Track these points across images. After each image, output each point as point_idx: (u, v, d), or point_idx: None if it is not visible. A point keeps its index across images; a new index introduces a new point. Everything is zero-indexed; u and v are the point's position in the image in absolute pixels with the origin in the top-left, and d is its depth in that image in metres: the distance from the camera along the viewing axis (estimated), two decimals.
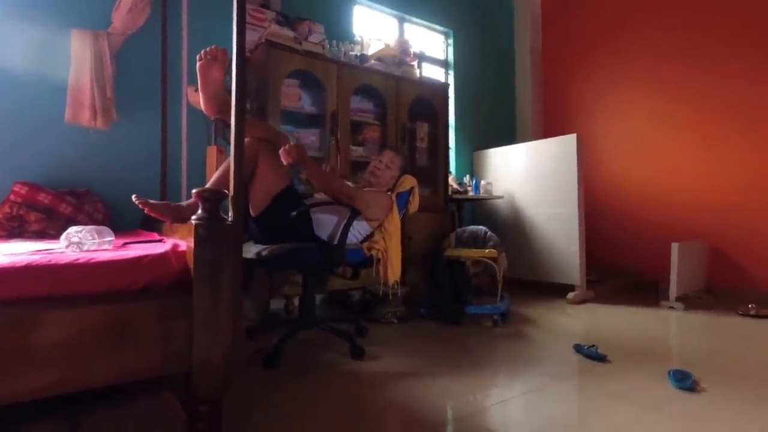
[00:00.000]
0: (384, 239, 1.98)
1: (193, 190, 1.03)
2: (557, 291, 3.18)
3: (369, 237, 2.00)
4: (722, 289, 3.19)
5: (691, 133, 3.39)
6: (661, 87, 3.55)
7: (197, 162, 2.38)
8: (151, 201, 1.53)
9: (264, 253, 1.66)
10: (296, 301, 2.42)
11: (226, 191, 1.09)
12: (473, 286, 2.80)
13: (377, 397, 1.43)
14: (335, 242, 1.81)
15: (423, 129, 3.17)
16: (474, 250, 2.56)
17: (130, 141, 2.36)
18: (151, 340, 0.97)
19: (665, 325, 2.46)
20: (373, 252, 1.95)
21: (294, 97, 2.56)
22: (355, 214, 1.82)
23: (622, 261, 3.73)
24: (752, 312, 2.63)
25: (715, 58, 3.27)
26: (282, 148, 1.70)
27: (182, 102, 2.40)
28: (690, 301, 2.97)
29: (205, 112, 1.67)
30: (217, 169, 1.74)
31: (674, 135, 3.48)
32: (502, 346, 2.02)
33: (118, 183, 2.28)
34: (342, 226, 1.82)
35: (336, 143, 2.59)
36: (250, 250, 1.74)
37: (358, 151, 2.79)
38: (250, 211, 1.76)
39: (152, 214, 1.53)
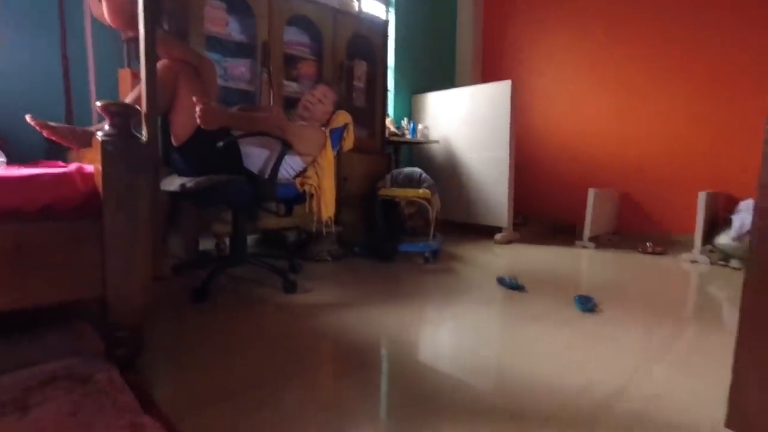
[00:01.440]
0: (317, 175, 1.95)
1: (98, 103, 0.93)
2: (486, 232, 3.36)
3: (302, 173, 1.96)
4: (628, 231, 3.55)
5: (612, 88, 3.59)
6: (590, 41, 3.68)
7: (108, 87, 2.14)
8: (52, 123, 1.37)
9: (189, 185, 1.57)
10: (228, 241, 2.35)
11: (138, 107, 1.00)
12: (408, 228, 2.88)
13: (308, 326, 1.46)
14: (266, 176, 1.75)
15: (361, 68, 3.07)
16: (409, 190, 2.61)
17: (24, 60, 2.05)
18: (55, 264, 0.90)
19: (577, 261, 2.71)
20: (306, 187, 1.92)
21: (220, 21, 2.34)
22: (287, 147, 1.76)
23: (545, 205, 3.99)
24: (649, 250, 2.97)
25: (637, 20, 3.42)
26: (197, 113, 1.52)
27: (85, 14, 2.10)
28: (601, 241, 3.28)
29: (111, 24, 1.49)
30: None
31: (598, 88, 3.67)
32: (432, 280, 2.13)
33: (13, 108, 1.99)
34: (273, 160, 1.75)
35: (268, 76, 2.44)
36: (174, 183, 1.64)
37: (292, 87, 2.66)
38: (173, 140, 1.64)
39: (54, 138, 1.38)
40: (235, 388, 1.02)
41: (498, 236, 3.23)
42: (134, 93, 1.54)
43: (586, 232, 3.14)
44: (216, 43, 2.38)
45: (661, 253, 2.93)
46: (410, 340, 1.37)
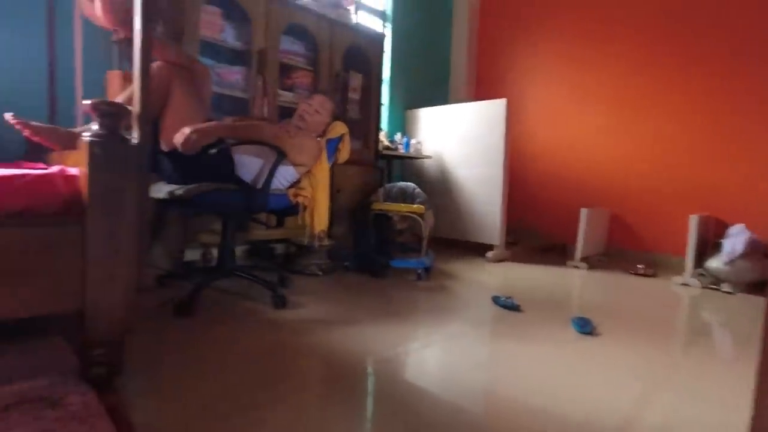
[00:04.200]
0: (311, 186, 1.89)
1: (86, 101, 0.86)
2: (477, 250, 3.32)
3: (295, 184, 1.90)
4: (618, 251, 3.55)
5: (602, 107, 3.63)
6: (582, 60, 3.74)
7: (96, 88, 2.05)
8: (34, 123, 1.30)
9: (179, 192, 1.50)
10: (215, 252, 2.26)
11: (130, 108, 0.94)
12: (398, 243, 2.83)
13: (299, 343, 1.39)
14: (259, 186, 1.69)
15: (356, 79, 3.04)
16: (402, 204, 2.56)
17: (5, 55, 1.96)
18: (32, 273, 0.82)
19: (570, 282, 2.68)
20: (300, 199, 1.86)
21: (216, 27, 2.30)
22: (282, 156, 1.70)
23: (536, 223, 3.98)
24: (641, 271, 2.97)
25: (629, 38, 3.49)
26: (177, 141, 1.45)
27: (74, 12, 2.03)
28: (592, 262, 3.27)
29: (103, 23, 1.42)
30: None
31: (589, 107, 3.71)
32: (424, 298, 2.07)
33: None
34: (267, 170, 1.69)
35: (263, 85, 2.39)
36: (162, 190, 1.57)
37: (286, 96, 2.61)
38: (162, 146, 1.57)
39: (36, 139, 1.30)
40: (221, 411, 0.95)
41: (490, 254, 3.20)
42: (124, 94, 1.48)
43: (578, 253, 3.13)
44: (210, 49, 2.33)
45: (651, 275, 2.92)
46: (402, 361, 1.30)
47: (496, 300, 2.01)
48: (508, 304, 1.95)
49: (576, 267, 3.11)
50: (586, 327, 1.68)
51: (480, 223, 3.31)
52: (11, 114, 1.22)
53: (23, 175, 0.85)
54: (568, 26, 3.81)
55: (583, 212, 3.12)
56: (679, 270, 2.86)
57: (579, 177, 3.77)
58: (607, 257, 3.51)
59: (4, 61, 1.97)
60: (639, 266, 3.01)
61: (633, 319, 1.90)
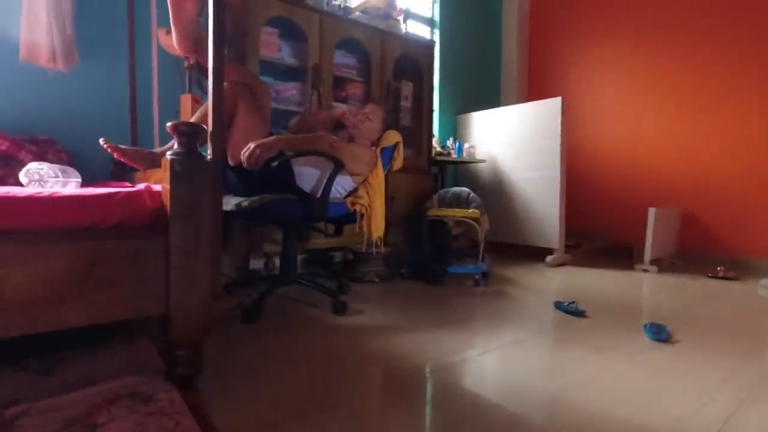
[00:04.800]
0: (368, 194, 1.93)
1: (168, 123, 0.95)
2: (536, 254, 3.22)
3: (353, 192, 1.95)
4: (692, 253, 3.30)
5: (671, 102, 3.41)
6: (645, 54, 3.54)
7: (170, 111, 2.24)
8: (122, 146, 1.43)
9: (244, 204, 1.59)
10: (277, 260, 2.36)
11: (205, 126, 1.02)
12: (454, 249, 2.80)
13: (359, 349, 1.42)
14: (318, 196, 1.75)
15: (407, 88, 3.08)
16: (457, 210, 2.54)
17: (94, 86, 2.20)
18: (124, 281, 0.91)
19: (640, 286, 2.53)
20: (357, 207, 1.90)
21: (273, 46, 2.42)
22: (339, 166, 1.75)
23: (598, 225, 3.80)
24: (720, 274, 2.74)
25: (696, 30, 3.26)
26: (244, 157, 1.56)
27: (152, 45, 2.23)
28: (663, 264, 3.06)
29: (178, 50, 1.55)
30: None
31: (655, 102, 3.50)
32: (483, 304, 2.04)
33: (83, 131, 2.13)
34: (325, 180, 1.75)
35: (318, 98, 2.48)
36: (229, 202, 1.67)
37: (339, 108, 2.68)
38: (228, 160, 1.67)
39: (123, 160, 1.44)
40: (285, 415, 0.99)
41: (549, 258, 3.09)
42: (196, 115, 1.59)
43: (647, 255, 2.95)
44: (268, 67, 2.46)
45: (733, 279, 2.69)
46: (463, 369, 1.29)
47: (558, 305, 1.94)
48: (571, 310, 1.87)
49: (645, 270, 2.93)
50: (660, 334, 1.57)
51: (538, 226, 3.21)
52: (103, 139, 1.37)
53: (117, 193, 0.94)
54: (628, 17, 3.63)
55: (651, 212, 2.94)
56: (765, 273, 2.60)
57: (645, 176, 3.56)
58: (680, 260, 3.27)
59: (92, 90, 2.20)
60: (718, 269, 2.78)
61: (714, 326, 1.76)
